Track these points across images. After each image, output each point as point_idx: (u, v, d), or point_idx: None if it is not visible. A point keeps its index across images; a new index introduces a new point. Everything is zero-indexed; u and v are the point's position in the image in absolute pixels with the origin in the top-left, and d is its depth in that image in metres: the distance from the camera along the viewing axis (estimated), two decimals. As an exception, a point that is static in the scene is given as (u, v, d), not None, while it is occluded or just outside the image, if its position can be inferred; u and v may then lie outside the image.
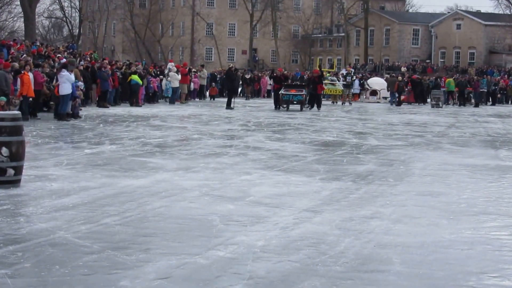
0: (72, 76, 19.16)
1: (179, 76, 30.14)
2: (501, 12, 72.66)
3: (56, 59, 26.08)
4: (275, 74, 31.88)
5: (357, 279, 5.18)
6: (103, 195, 8.17)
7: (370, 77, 46.56)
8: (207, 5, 76.35)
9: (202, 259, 5.55)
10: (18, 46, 29.60)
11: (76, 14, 78.93)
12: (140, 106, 26.83)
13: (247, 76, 39.96)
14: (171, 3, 77.69)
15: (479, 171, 11.15)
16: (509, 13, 69.72)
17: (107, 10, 72.10)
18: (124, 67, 28.91)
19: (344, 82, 35.92)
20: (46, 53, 29.27)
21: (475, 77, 44.37)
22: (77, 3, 76.85)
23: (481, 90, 40.58)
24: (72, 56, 29.31)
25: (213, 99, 35.84)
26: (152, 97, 30.15)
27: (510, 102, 45.04)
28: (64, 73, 18.76)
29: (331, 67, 58.26)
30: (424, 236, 6.54)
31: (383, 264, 5.57)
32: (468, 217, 7.50)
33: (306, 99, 27.76)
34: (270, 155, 12.57)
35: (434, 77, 44.45)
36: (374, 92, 40.89)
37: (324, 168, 10.93)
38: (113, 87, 25.97)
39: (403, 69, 59.29)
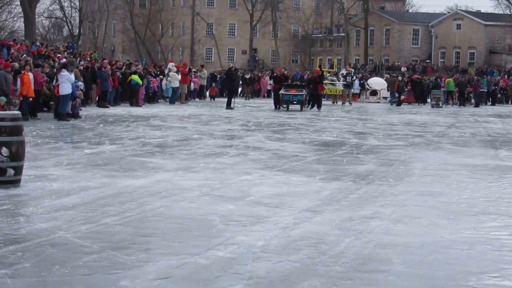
0: (72, 76, 19.16)
1: (179, 76, 30.14)
2: (501, 12, 72.71)
3: (56, 59, 26.08)
4: (275, 74, 31.87)
5: (357, 279, 5.18)
6: (103, 195, 8.17)
7: (370, 77, 46.56)
8: (207, 5, 76.36)
9: (202, 259, 5.55)
10: (18, 46, 29.62)
11: (76, 14, 79.04)
12: (140, 106, 26.83)
13: (247, 76, 39.97)
14: (171, 3, 77.70)
15: (479, 171, 11.15)
16: (509, 13, 69.73)
17: (107, 10, 72.11)
18: (124, 67, 28.92)
19: (344, 82, 35.91)
20: (46, 53, 29.28)
21: (475, 77, 44.36)
22: (77, 3, 76.95)
23: (481, 90, 40.57)
24: (72, 56, 29.33)
25: (213, 99, 35.85)
26: (152, 97, 30.16)
27: (510, 102, 45.03)
28: (64, 73, 18.76)
29: (331, 67, 58.31)
30: (424, 236, 6.54)
31: (383, 264, 5.57)
32: (468, 217, 7.50)
33: (306, 99, 27.76)
34: (270, 155, 12.57)
35: (434, 77, 44.44)
36: (374, 92, 40.89)
37: (324, 168, 10.93)
38: (113, 87, 25.97)
39: (403, 69, 59.28)
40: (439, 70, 61.64)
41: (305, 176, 10.07)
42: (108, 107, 24.74)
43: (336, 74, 40.27)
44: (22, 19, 53.77)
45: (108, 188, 8.64)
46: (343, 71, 39.22)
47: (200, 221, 6.94)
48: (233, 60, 72.09)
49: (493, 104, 41.90)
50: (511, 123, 24.55)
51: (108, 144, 13.62)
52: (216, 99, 36.05)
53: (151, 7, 72.52)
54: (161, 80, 30.91)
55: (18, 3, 52.72)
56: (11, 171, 8.41)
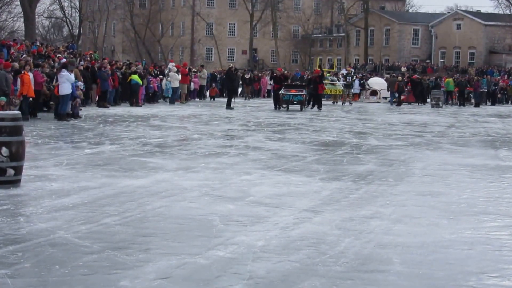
0: (72, 76, 19.16)
1: (179, 76, 30.15)
2: (501, 12, 72.71)
3: (56, 59, 26.09)
4: (275, 74, 31.87)
5: (357, 279, 5.18)
6: (103, 195, 8.17)
7: (370, 77, 46.57)
8: (207, 5, 76.36)
9: (202, 259, 5.55)
10: (18, 46, 29.62)
11: (76, 14, 79.03)
12: (140, 106, 26.83)
13: (247, 76, 39.97)
14: (171, 3, 77.70)
15: (479, 171, 11.15)
16: (509, 13, 69.72)
17: (107, 10, 72.10)
18: (124, 67, 28.92)
19: (344, 82, 35.92)
20: (46, 53, 29.28)
21: (475, 77, 44.36)
22: (77, 3, 76.94)
23: (481, 90, 40.57)
24: (72, 56, 29.32)
25: (213, 99, 35.85)
26: (152, 97, 30.16)
27: (510, 102, 45.05)
28: (64, 73, 18.76)
29: (331, 67, 58.29)
30: (424, 236, 6.54)
31: (383, 264, 5.57)
32: (468, 217, 7.50)
33: (306, 99, 27.76)
34: (270, 155, 12.57)
35: (434, 77, 44.45)
36: (374, 92, 40.90)
37: (324, 168, 10.93)
38: (113, 87, 25.97)
39: (403, 69, 59.28)
40: (439, 70, 61.64)
41: (305, 176, 10.07)
42: (108, 107, 24.74)
43: (336, 74, 40.27)
44: (22, 19, 53.79)
45: (108, 188, 8.64)
46: (343, 71, 39.24)
47: (200, 221, 6.94)
48: (233, 60, 72.10)
49: (493, 104, 41.91)
50: (511, 123, 24.55)
51: (108, 144, 13.62)
52: (216, 99, 36.05)
53: (151, 7, 72.51)
54: (161, 80, 30.92)
55: (18, 3, 52.76)
56: (11, 171, 8.41)
